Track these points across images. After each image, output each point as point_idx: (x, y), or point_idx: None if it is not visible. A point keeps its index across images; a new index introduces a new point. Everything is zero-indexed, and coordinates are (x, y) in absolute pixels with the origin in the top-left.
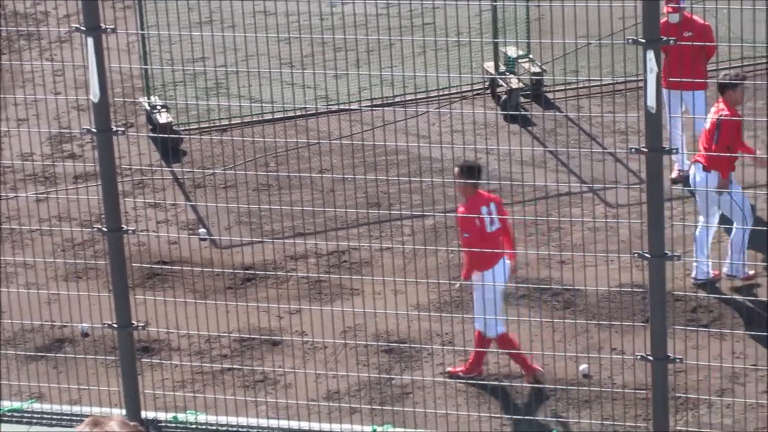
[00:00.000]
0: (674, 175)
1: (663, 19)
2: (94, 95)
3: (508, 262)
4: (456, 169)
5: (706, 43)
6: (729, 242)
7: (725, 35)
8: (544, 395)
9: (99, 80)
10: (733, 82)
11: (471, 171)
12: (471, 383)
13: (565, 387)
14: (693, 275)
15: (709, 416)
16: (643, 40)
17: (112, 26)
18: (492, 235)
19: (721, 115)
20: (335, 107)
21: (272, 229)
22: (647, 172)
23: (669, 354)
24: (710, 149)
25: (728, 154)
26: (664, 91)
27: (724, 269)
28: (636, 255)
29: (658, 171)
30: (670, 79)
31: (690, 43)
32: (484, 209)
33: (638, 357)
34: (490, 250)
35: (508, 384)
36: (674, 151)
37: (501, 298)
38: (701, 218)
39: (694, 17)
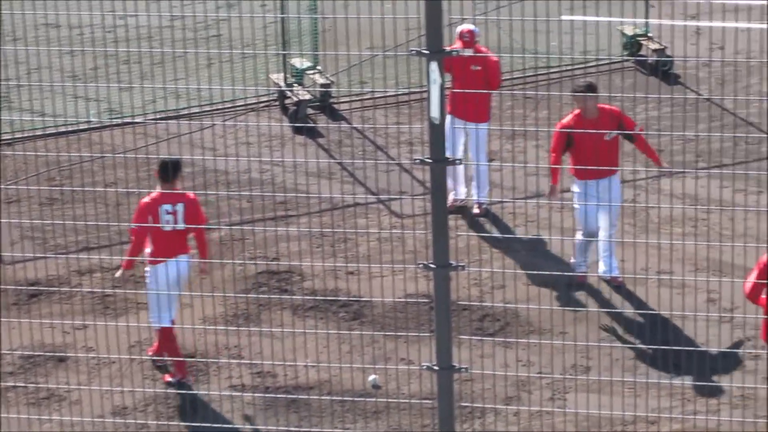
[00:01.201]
0: (447, 203)
1: (453, 45)
2: None
3: (185, 258)
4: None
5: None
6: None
7: (511, 45)
8: (333, 406)
9: None
10: (576, 93)
11: (162, 167)
12: (259, 395)
13: (353, 398)
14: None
15: (495, 424)
16: (426, 52)
17: None
18: (169, 235)
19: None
20: (122, 120)
21: (59, 244)
22: (431, 183)
23: (455, 363)
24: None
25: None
26: (448, 117)
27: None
28: (421, 266)
29: (442, 182)
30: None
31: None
32: (162, 208)
33: (424, 367)
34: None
35: (298, 396)
36: (458, 162)
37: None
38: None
39: (489, 54)
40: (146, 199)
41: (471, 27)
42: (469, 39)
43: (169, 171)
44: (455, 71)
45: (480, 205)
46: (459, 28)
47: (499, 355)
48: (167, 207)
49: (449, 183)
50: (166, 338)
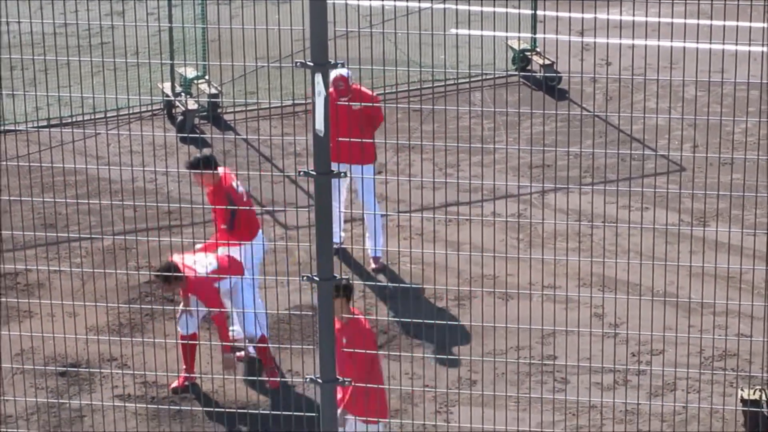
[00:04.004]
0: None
1: (331, 90)
2: None
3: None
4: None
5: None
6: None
7: (399, 58)
8: (214, 416)
9: None
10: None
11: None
12: (146, 405)
13: (237, 409)
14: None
15: None
16: (312, 64)
17: None
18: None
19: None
20: (10, 127)
21: None
22: (315, 195)
23: (338, 376)
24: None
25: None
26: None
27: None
28: (305, 278)
29: (327, 194)
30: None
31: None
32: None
33: (308, 380)
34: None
35: (182, 407)
36: (343, 174)
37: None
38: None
39: (363, 89)
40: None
41: (343, 72)
42: (343, 87)
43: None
44: (333, 115)
45: (377, 259)
46: (332, 75)
47: (385, 368)
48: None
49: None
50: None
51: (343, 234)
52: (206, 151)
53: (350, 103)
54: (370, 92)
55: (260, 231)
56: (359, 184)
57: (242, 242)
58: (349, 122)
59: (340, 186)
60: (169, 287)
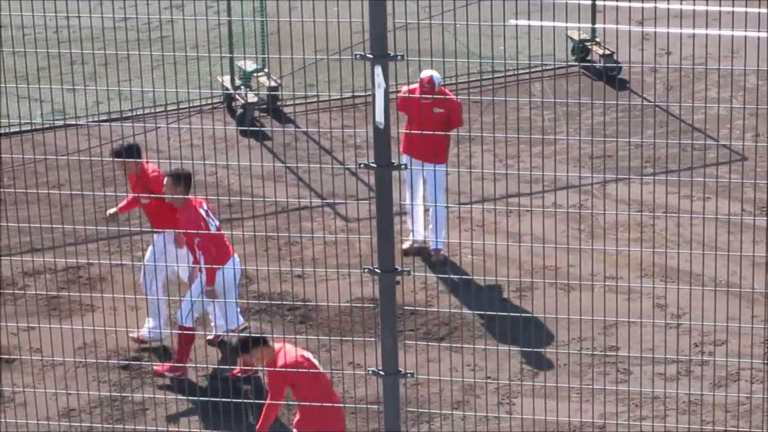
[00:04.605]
0: (406, 245)
1: (414, 86)
2: None
3: (236, 256)
4: (168, 180)
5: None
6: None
7: (458, 49)
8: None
9: None
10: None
11: (181, 178)
12: (203, 399)
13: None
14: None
15: (442, 429)
16: (371, 56)
17: None
18: (218, 236)
19: None
20: (69, 122)
21: (5, 245)
22: (376, 188)
23: (401, 368)
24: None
25: None
26: (405, 157)
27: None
28: (366, 270)
29: (387, 186)
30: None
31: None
32: (201, 211)
33: (370, 372)
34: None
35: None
36: (403, 166)
37: (233, 290)
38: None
39: (450, 95)
40: (183, 211)
41: (431, 74)
42: (429, 89)
43: (186, 178)
44: (413, 113)
45: (438, 251)
46: (421, 75)
47: (447, 359)
48: (203, 210)
49: (409, 223)
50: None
51: (425, 232)
52: (130, 140)
53: (435, 98)
54: (455, 98)
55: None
56: (431, 181)
57: (216, 266)
58: (432, 122)
59: (415, 183)
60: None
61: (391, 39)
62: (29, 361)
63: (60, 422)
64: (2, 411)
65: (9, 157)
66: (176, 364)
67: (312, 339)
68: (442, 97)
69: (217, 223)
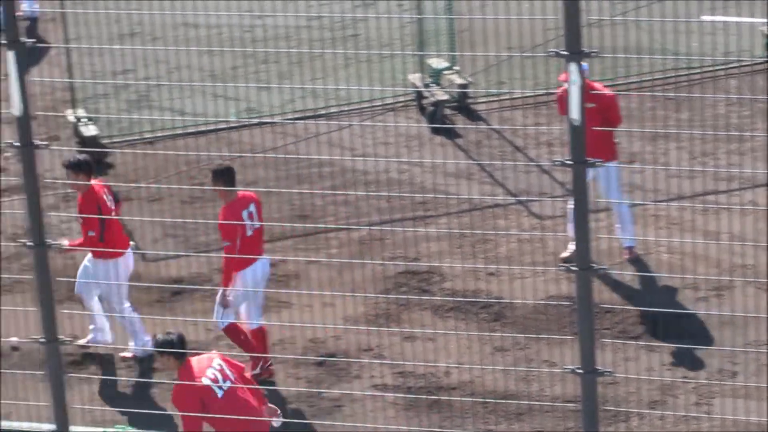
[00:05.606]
0: (566, 254)
1: (562, 88)
2: (16, 109)
3: (266, 259)
4: (210, 174)
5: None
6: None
7: (651, 46)
8: (476, 408)
9: (21, 94)
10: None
11: (224, 174)
12: (401, 395)
13: (495, 400)
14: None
15: (640, 428)
16: (566, 53)
17: (34, 39)
18: (251, 239)
19: None
20: (261, 120)
21: (200, 242)
22: (573, 185)
23: (598, 367)
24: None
25: None
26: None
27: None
28: (563, 268)
29: (583, 183)
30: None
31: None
32: (244, 213)
33: (568, 370)
34: (247, 256)
35: (440, 397)
36: (599, 164)
37: (260, 293)
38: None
39: (603, 90)
40: (224, 209)
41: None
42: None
43: (234, 174)
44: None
45: (630, 249)
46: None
47: (643, 358)
48: (245, 212)
49: (569, 230)
50: (260, 338)
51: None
52: (83, 156)
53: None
54: (608, 92)
55: (129, 248)
56: (604, 180)
57: (110, 258)
58: (588, 117)
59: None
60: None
61: (584, 36)
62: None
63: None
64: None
65: (202, 154)
66: (257, 356)
67: (506, 337)
68: (596, 92)
69: (257, 224)
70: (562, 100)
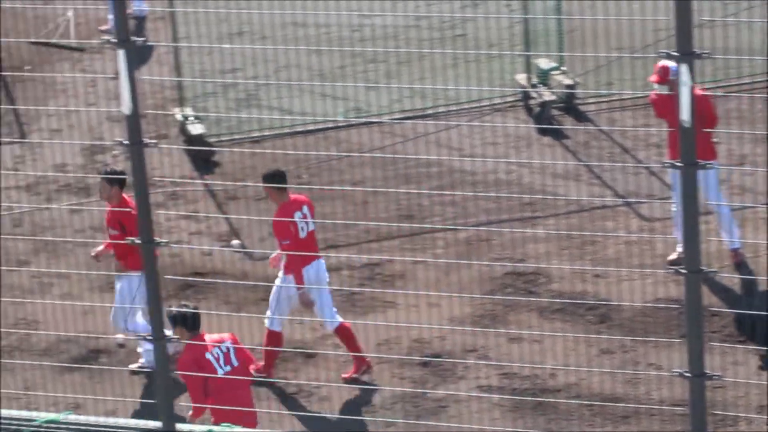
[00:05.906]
0: (673, 256)
1: (654, 91)
2: (126, 107)
3: (321, 260)
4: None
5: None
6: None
7: (763, 47)
8: (581, 410)
9: (130, 92)
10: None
11: (276, 177)
12: (506, 397)
13: (601, 402)
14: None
15: None
16: (677, 54)
17: (144, 38)
18: (304, 241)
19: None
20: (368, 119)
21: None
22: (683, 187)
23: (706, 370)
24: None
25: None
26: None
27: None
28: (672, 270)
29: (693, 185)
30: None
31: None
32: (297, 214)
33: (675, 373)
34: (305, 253)
35: (545, 399)
36: (708, 166)
37: (324, 294)
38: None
39: (696, 91)
40: (278, 211)
41: (665, 63)
42: (662, 75)
43: (285, 178)
44: (665, 113)
45: (736, 251)
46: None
47: (751, 362)
48: (298, 213)
49: (676, 234)
50: (347, 336)
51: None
52: (120, 168)
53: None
54: (701, 92)
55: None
56: (702, 181)
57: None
58: (675, 119)
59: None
60: None
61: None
62: (329, 356)
63: (363, 417)
64: (304, 405)
65: (310, 154)
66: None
67: (612, 339)
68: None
69: (311, 227)
70: (659, 104)
